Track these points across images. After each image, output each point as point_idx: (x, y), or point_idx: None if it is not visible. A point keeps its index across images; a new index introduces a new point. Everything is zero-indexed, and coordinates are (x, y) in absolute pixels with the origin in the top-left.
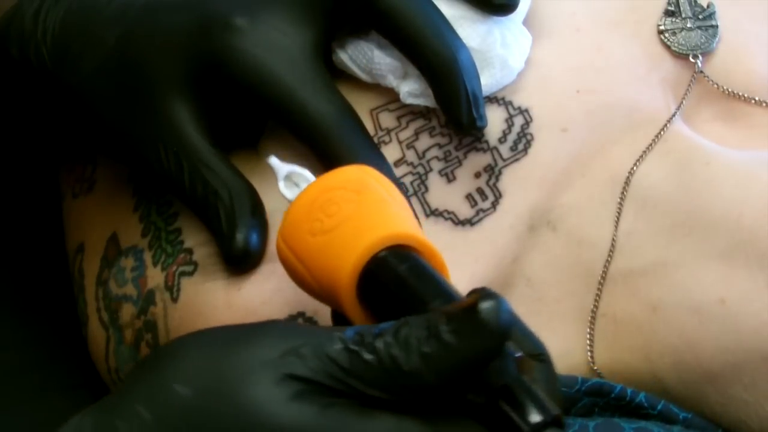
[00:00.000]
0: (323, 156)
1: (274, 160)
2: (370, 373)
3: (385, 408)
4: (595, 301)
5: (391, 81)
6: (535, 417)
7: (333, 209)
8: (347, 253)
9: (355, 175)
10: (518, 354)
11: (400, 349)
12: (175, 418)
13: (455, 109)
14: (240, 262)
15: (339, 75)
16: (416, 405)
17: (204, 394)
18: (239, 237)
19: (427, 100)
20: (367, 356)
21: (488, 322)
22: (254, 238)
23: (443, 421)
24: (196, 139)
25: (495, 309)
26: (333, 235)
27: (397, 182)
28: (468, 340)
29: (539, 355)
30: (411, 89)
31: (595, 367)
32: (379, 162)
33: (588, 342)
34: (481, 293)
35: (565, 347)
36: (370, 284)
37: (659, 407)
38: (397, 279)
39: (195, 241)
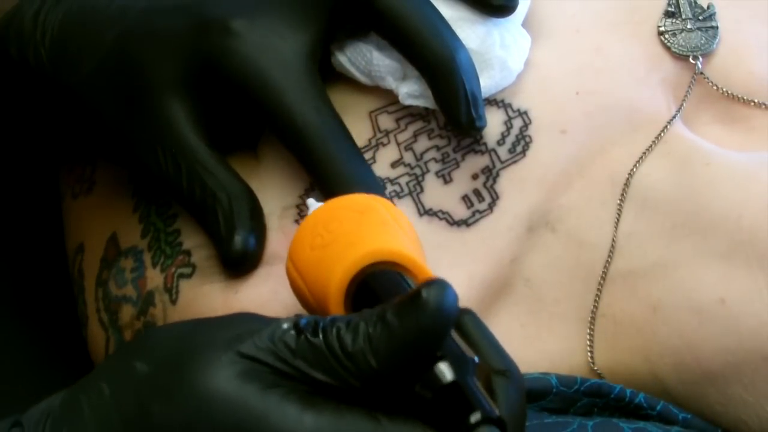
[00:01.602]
0: (306, 164)
1: (311, 200)
2: (315, 355)
3: (330, 398)
4: (595, 301)
5: (390, 82)
6: (475, 416)
7: (334, 225)
8: (337, 265)
9: (363, 199)
10: (477, 360)
11: (349, 333)
12: (129, 392)
13: (454, 110)
14: (237, 264)
15: (338, 77)
16: (363, 397)
17: (159, 369)
18: (237, 240)
19: (426, 102)
20: (315, 339)
21: (428, 304)
22: (251, 241)
23: (386, 416)
24: (193, 141)
25: (436, 292)
26: (328, 249)
27: (384, 195)
28: (408, 320)
29: (505, 371)
30: (410, 90)
31: (596, 368)
32: (363, 172)
33: (588, 343)
34: (428, 281)
35: (565, 348)
36: (360, 299)
37: (658, 408)
38: (382, 295)
39: (193, 242)
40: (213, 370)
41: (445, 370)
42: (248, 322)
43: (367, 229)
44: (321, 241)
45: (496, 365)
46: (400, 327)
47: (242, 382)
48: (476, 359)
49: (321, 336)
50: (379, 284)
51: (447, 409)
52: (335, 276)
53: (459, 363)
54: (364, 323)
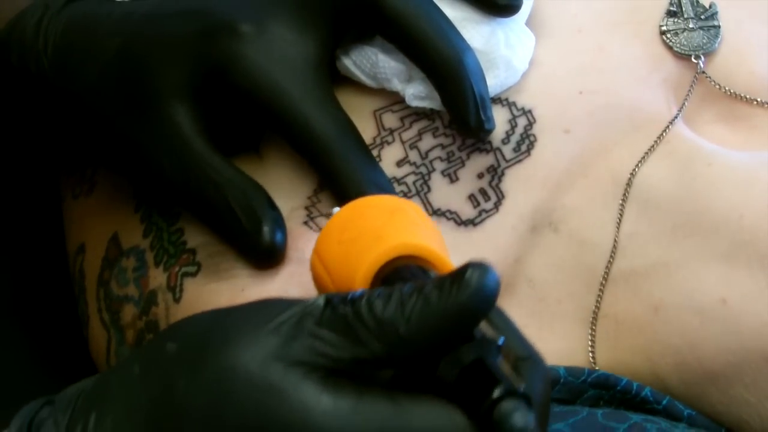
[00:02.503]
0: (322, 171)
1: (337, 209)
2: (341, 322)
3: (351, 379)
4: (597, 301)
5: (396, 85)
6: (499, 390)
7: (363, 222)
8: (365, 256)
9: (393, 200)
10: (501, 341)
11: (380, 300)
12: (158, 370)
13: (463, 112)
14: (268, 257)
15: (343, 78)
16: (385, 377)
17: (187, 348)
18: (266, 230)
19: (432, 103)
20: (343, 308)
21: (471, 282)
22: (279, 232)
23: (407, 396)
24: (199, 145)
25: (480, 273)
26: (357, 242)
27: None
28: (448, 295)
29: (528, 357)
30: (416, 92)
31: (597, 368)
32: (378, 178)
33: (589, 343)
34: (472, 262)
35: (567, 348)
36: None
37: (664, 402)
38: None
39: (198, 241)
40: (238, 347)
41: (469, 350)
42: (281, 303)
43: (396, 226)
44: (349, 235)
45: (520, 352)
46: (439, 301)
47: (265, 359)
48: (501, 341)
49: (350, 305)
50: (406, 279)
51: (470, 387)
52: (363, 266)
53: (483, 344)
54: (398, 292)
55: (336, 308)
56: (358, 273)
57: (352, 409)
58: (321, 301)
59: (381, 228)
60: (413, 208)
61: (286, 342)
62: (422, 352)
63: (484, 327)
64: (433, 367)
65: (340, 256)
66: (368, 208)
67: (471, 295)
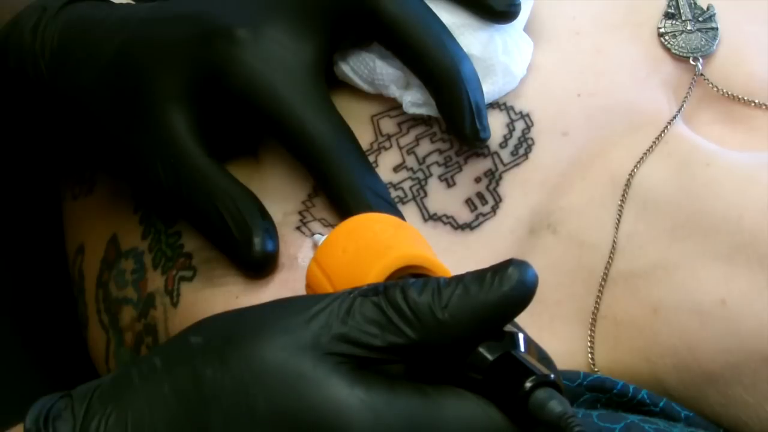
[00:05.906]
0: (318, 176)
1: (318, 237)
2: (373, 310)
3: (380, 371)
4: (596, 302)
5: (394, 91)
6: (531, 380)
7: (369, 235)
8: (376, 263)
9: (395, 219)
10: (524, 338)
11: (415, 289)
12: (182, 362)
13: (458, 121)
14: (259, 268)
15: (340, 83)
16: (413, 359)
17: (213, 339)
18: (257, 241)
19: (429, 110)
20: (375, 297)
21: (513, 275)
22: (270, 242)
23: (436, 391)
24: (193, 151)
25: (521, 268)
26: (363, 252)
27: (394, 206)
28: (490, 285)
29: (545, 358)
30: (414, 99)
31: (596, 369)
32: (374, 183)
33: (589, 344)
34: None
35: (566, 349)
36: None
37: (661, 404)
38: None
39: (194, 245)
40: (267, 337)
41: (496, 344)
42: (310, 297)
43: (403, 239)
44: (355, 245)
45: (540, 352)
46: (480, 290)
47: (296, 350)
48: (522, 336)
49: (382, 294)
50: None
51: (500, 379)
52: (373, 272)
53: (511, 338)
54: (434, 282)
55: (367, 297)
56: (367, 278)
57: (385, 403)
58: (350, 293)
59: (390, 239)
60: (413, 227)
61: (316, 333)
62: (457, 340)
63: (507, 326)
64: (458, 359)
65: (346, 264)
66: (374, 222)
67: (514, 287)
